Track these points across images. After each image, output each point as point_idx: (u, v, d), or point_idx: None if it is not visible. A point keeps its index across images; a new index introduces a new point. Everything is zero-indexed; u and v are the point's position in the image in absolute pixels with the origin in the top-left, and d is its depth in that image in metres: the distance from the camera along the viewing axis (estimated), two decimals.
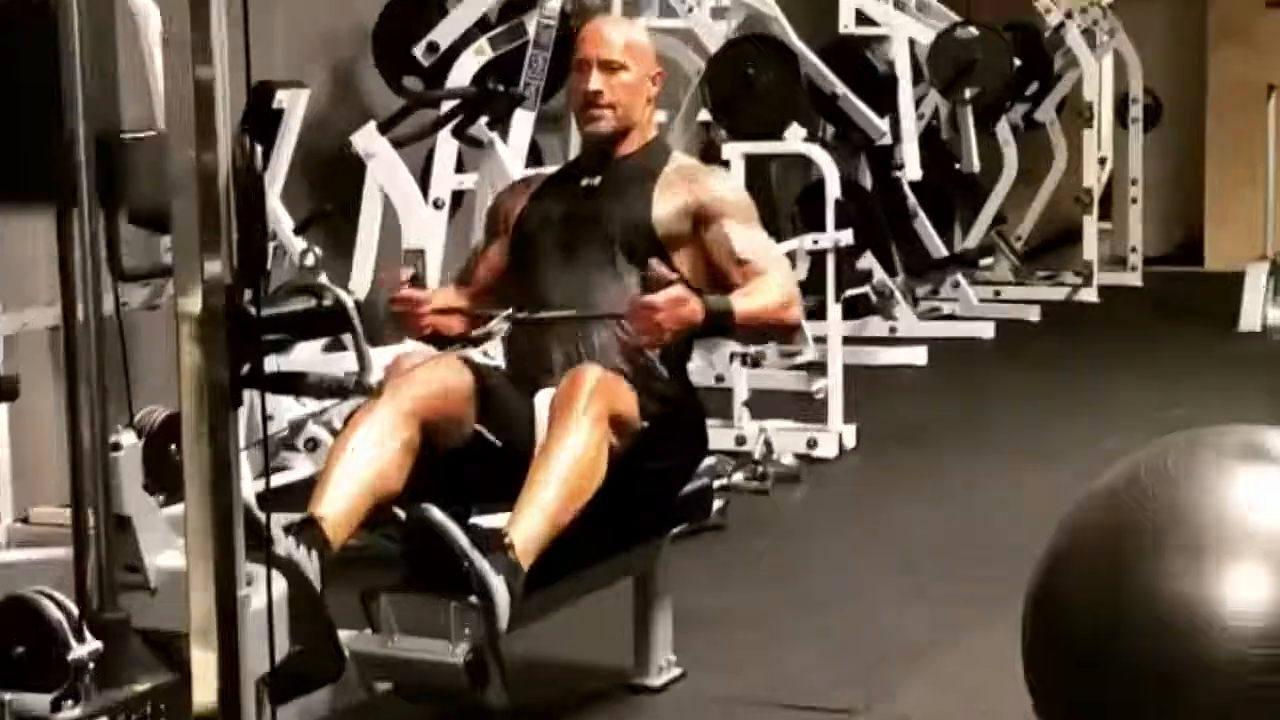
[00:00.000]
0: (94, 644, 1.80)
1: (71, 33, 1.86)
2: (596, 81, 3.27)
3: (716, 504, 4.55)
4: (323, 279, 2.02)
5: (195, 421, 1.76)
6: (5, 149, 1.95)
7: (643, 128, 3.36)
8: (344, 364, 3.78)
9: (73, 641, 1.78)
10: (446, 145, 5.38)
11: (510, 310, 3.20)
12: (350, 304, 2.01)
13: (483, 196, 5.39)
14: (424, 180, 5.33)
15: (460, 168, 5.55)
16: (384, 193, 4.91)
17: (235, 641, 1.74)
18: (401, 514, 3.04)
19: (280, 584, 2.28)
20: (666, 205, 3.26)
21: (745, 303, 3.15)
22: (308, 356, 3.75)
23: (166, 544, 2.29)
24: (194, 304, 1.74)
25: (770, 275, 3.23)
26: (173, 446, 2.39)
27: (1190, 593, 2.38)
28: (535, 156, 5.93)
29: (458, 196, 5.58)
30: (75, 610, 1.81)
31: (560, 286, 3.25)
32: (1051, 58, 9.35)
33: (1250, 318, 8.06)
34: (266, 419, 1.72)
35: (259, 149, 1.92)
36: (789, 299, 3.24)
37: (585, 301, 3.22)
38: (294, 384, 1.99)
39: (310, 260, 1.95)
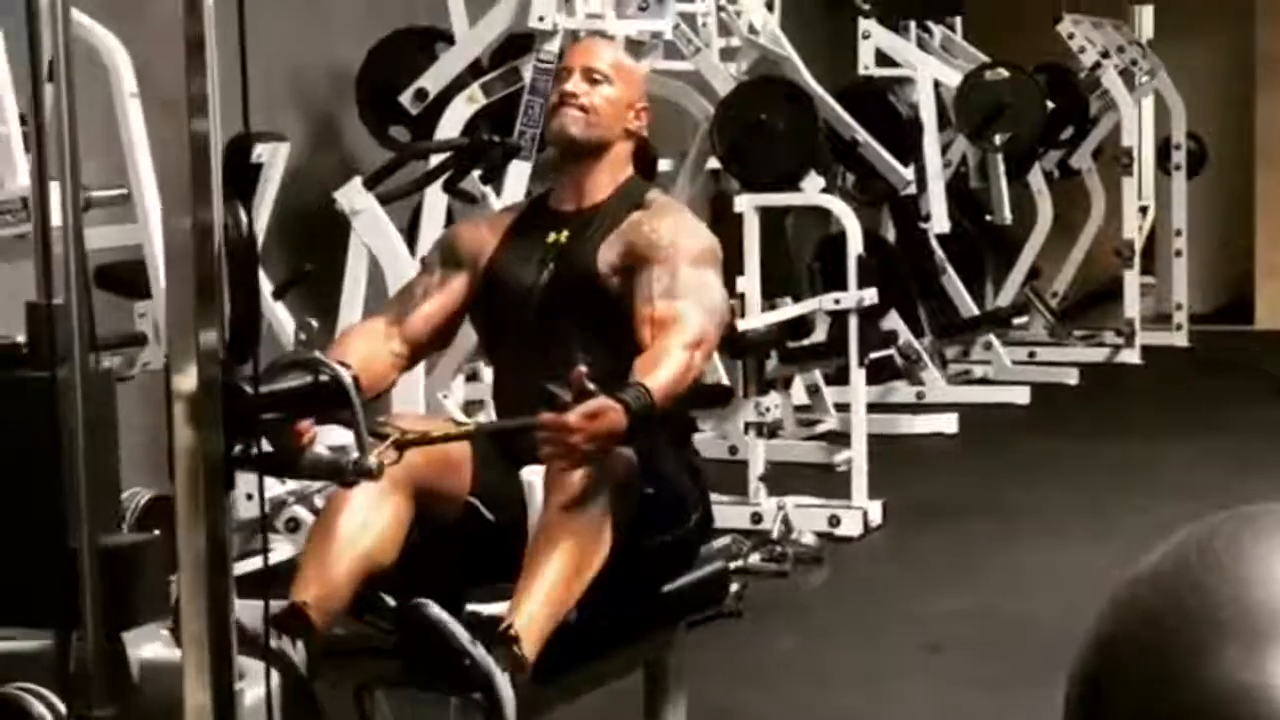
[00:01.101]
0: None
1: (76, 435, 1.91)
2: (575, 84, 3.31)
3: (732, 588, 4.60)
4: (318, 353, 2.07)
5: (190, 504, 1.82)
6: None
7: (615, 163, 3.35)
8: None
9: None
10: (435, 200, 5.45)
11: (397, 435, 2.86)
12: (349, 380, 2.07)
13: None
14: (410, 237, 5.40)
15: (449, 223, 5.63)
16: (370, 252, 4.97)
17: None
18: (390, 600, 3.09)
19: (272, 678, 2.33)
20: (608, 253, 3.23)
21: (658, 378, 2.96)
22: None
23: (149, 635, 2.34)
24: (189, 380, 1.80)
25: (671, 331, 3.07)
26: (157, 531, 2.44)
27: (1249, 682, 2.43)
28: None
29: None
30: (63, 708, 1.86)
31: (529, 370, 3.17)
32: (1087, 100, 9.46)
33: None
34: (264, 501, 1.77)
35: (249, 212, 1.98)
36: (691, 349, 3.05)
37: (556, 383, 3.21)
38: (289, 465, 2.05)
39: (305, 335, 2.00)
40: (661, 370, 2.99)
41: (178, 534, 1.84)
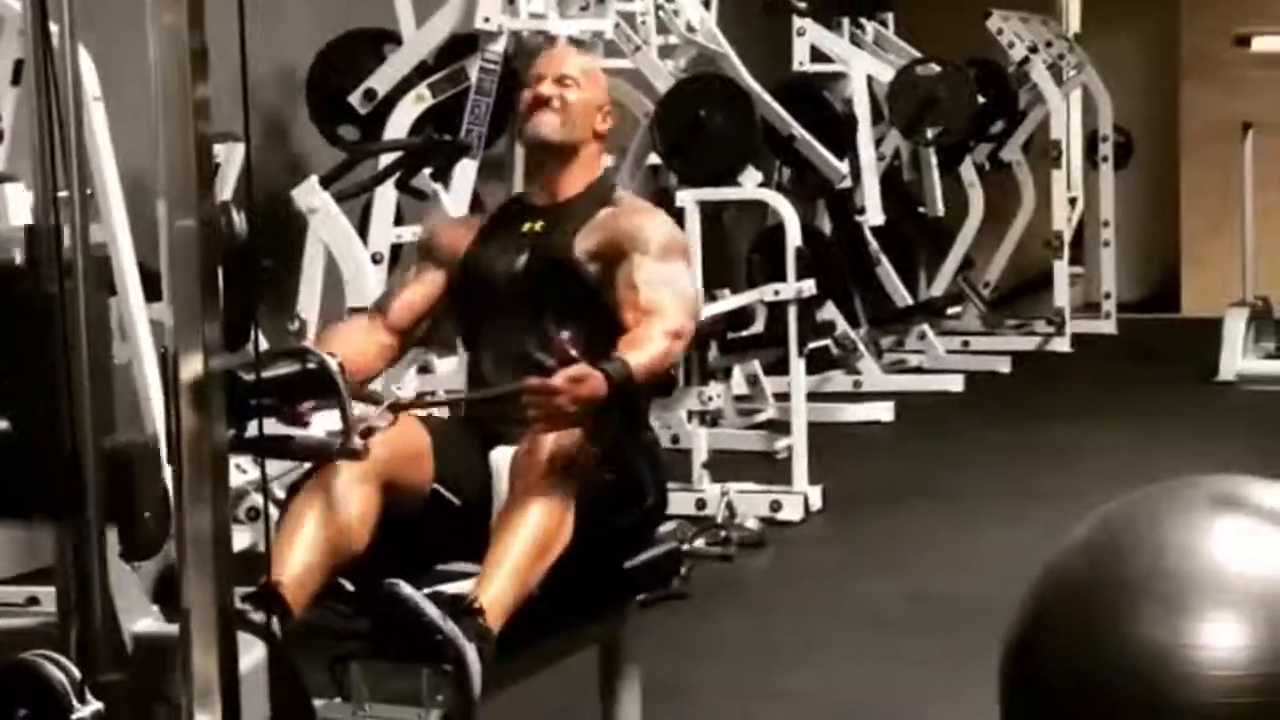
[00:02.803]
0: (96, 705, 2.00)
1: (79, 336, 2.06)
2: (547, 88, 3.51)
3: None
4: (307, 343, 2.25)
5: (195, 488, 1.97)
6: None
7: (586, 162, 3.55)
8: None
9: (75, 703, 1.98)
10: (385, 197, 5.61)
11: (393, 399, 3.24)
12: (335, 367, 2.23)
13: None
14: (361, 233, 5.55)
15: (398, 219, 5.79)
16: (326, 248, 5.12)
17: (237, 705, 1.95)
18: (349, 585, 3.24)
19: (257, 651, 2.48)
20: (584, 243, 3.43)
21: (638, 357, 3.20)
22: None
23: (142, 610, 2.49)
24: (194, 369, 1.95)
25: (655, 317, 3.31)
26: (146, 514, 2.60)
27: (1166, 642, 2.62)
28: (476, 206, 6.15)
29: (395, 250, 5.81)
30: (77, 673, 2.01)
31: (506, 347, 3.43)
32: (1016, 94, 9.64)
33: (1229, 366, 8.37)
34: (266, 482, 1.91)
35: (242, 212, 2.13)
36: (672, 335, 3.29)
37: (532, 360, 3.41)
38: (280, 447, 2.21)
39: (295, 325, 2.16)
40: (643, 351, 3.23)
41: (180, 514, 1.99)
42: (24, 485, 2.11)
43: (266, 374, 2.14)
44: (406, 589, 2.93)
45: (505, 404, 3.28)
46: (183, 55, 1.99)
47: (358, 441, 2.23)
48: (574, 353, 3.11)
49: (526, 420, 3.12)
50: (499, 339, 3.46)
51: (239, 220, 2.07)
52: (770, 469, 6.35)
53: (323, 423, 2.32)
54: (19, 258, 2.09)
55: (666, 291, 3.36)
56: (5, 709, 2.00)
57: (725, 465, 6.19)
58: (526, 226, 3.53)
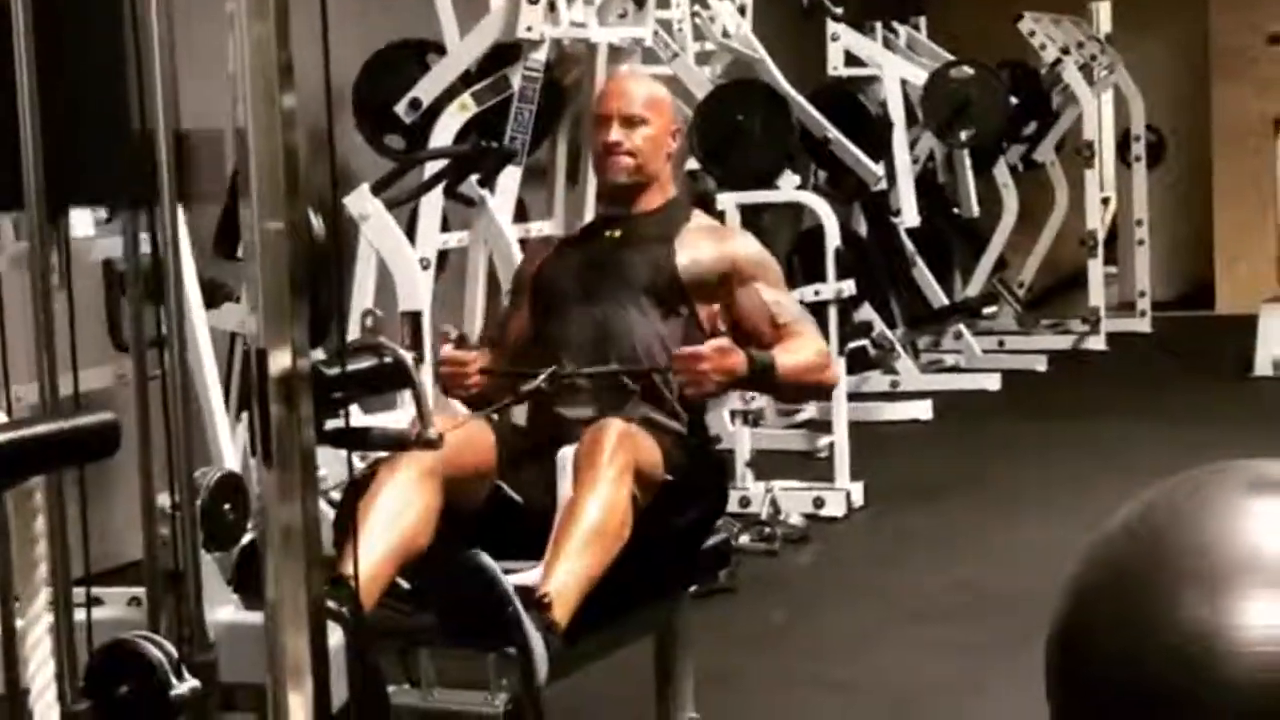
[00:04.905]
0: (193, 682, 2.12)
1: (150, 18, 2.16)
2: (617, 133, 3.61)
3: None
4: (384, 339, 2.36)
5: (281, 480, 2.07)
6: (78, 143, 2.22)
7: (663, 184, 3.70)
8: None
9: (174, 680, 2.10)
10: (432, 204, 5.72)
11: (554, 368, 3.49)
12: (410, 362, 2.34)
13: (475, 255, 5.74)
14: (409, 237, 5.66)
15: (444, 226, 5.90)
16: (378, 253, 5.24)
17: (327, 683, 2.06)
18: (405, 584, 3.35)
19: (335, 637, 2.60)
20: (690, 254, 3.59)
21: (786, 359, 3.49)
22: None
23: (224, 598, 2.62)
24: (283, 365, 2.06)
25: (806, 338, 3.59)
26: (226, 505, 2.72)
27: (1207, 621, 2.71)
28: (520, 212, 6.26)
29: (442, 256, 5.93)
30: (174, 651, 2.13)
31: (584, 334, 3.56)
32: (1049, 95, 9.73)
33: (1264, 362, 8.44)
34: (353, 476, 2.02)
35: (320, 216, 2.24)
36: (826, 359, 3.64)
37: (611, 348, 3.54)
38: (360, 439, 2.32)
39: (370, 322, 2.25)
40: (794, 356, 3.51)
41: (265, 508, 2.09)
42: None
43: (347, 367, 2.25)
44: (486, 559, 3.02)
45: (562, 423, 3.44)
46: (270, 67, 2.09)
47: (433, 432, 2.34)
48: (723, 327, 3.44)
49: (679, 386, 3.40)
50: (580, 331, 3.57)
51: (318, 224, 2.18)
52: (811, 467, 6.45)
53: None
54: None
55: (809, 325, 3.64)
56: (109, 686, 2.11)
57: (767, 464, 6.29)
58: (608, 233, 3.69)
